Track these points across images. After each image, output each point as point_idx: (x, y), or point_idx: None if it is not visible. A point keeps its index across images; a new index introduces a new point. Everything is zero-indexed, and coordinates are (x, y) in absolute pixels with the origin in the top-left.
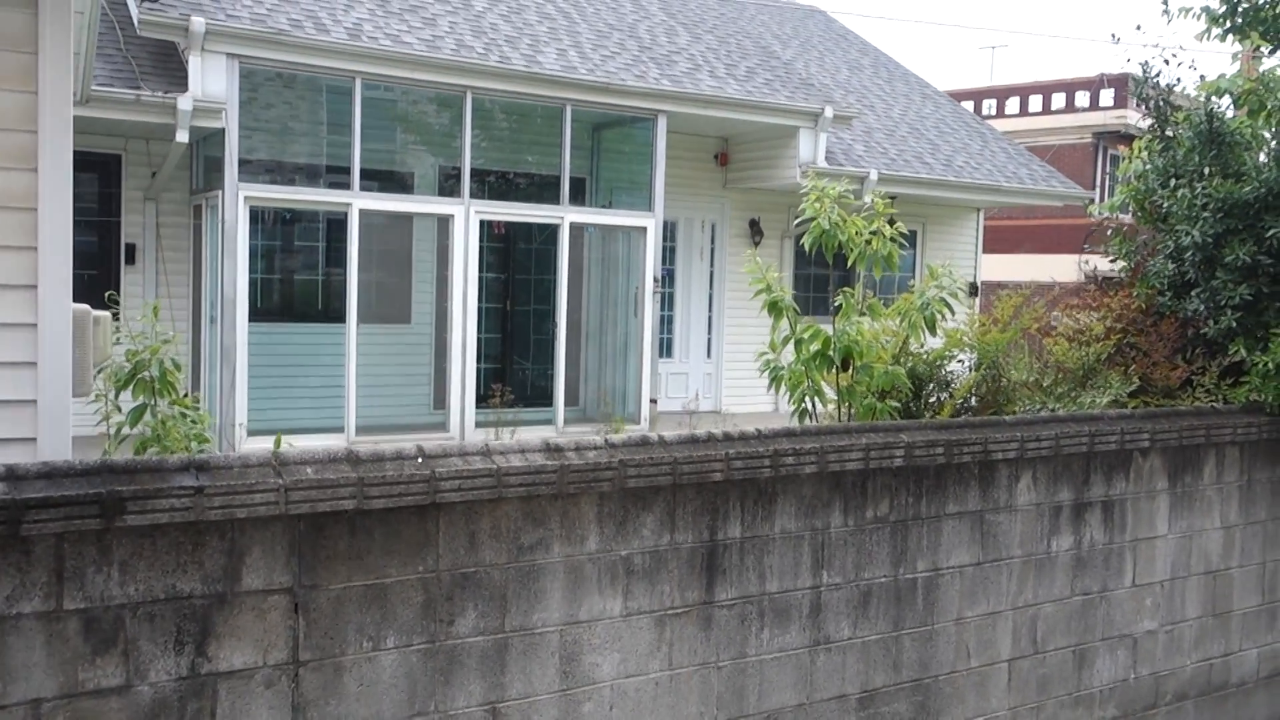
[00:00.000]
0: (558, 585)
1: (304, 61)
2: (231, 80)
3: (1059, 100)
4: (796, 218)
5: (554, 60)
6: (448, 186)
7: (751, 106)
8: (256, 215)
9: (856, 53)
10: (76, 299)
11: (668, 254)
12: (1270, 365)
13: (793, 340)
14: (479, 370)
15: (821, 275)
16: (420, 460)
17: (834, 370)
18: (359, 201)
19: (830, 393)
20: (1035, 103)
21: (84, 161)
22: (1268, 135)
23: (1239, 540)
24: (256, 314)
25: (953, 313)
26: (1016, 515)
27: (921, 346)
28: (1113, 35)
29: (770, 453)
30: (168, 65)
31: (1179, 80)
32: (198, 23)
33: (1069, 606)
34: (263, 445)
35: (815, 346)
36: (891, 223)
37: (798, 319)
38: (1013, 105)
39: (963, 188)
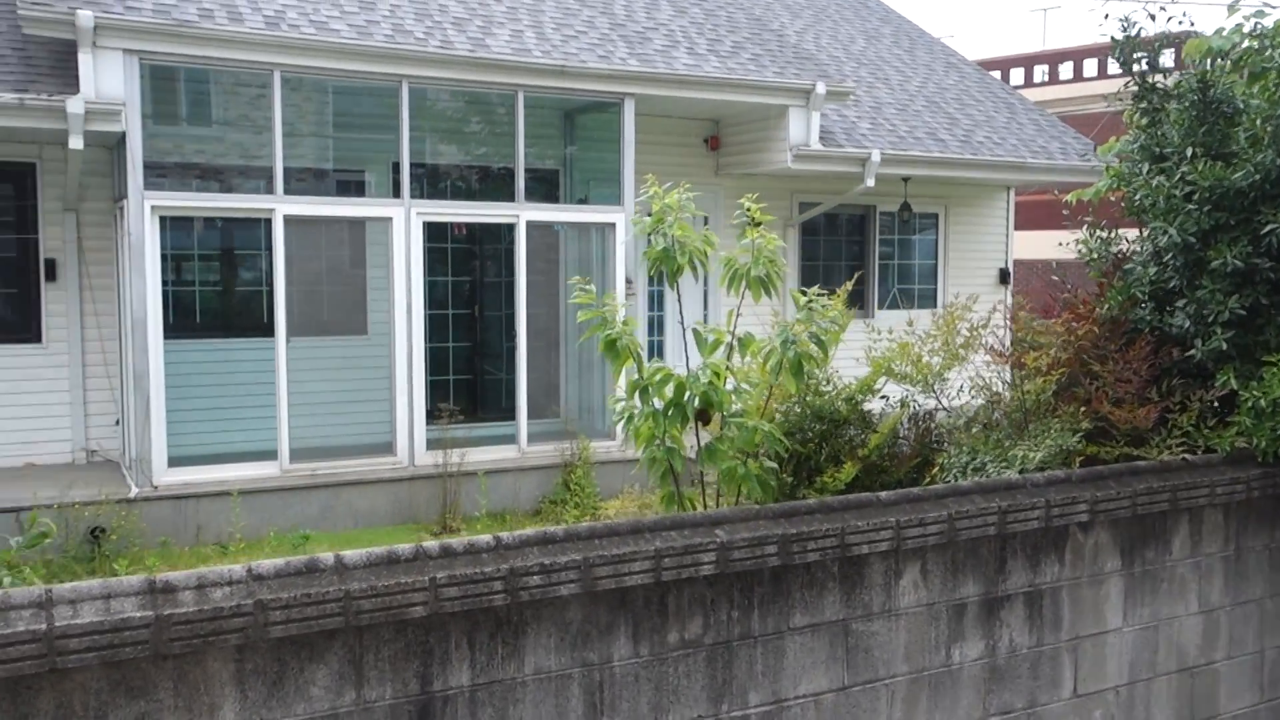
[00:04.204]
0: None
1: (214, 55)
2: (130, 79)
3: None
4: (801, 204)
5: (505, 43)
6: (385, 186)
7: (731, 85)
8: (171, 224)
9: (877, 21)
10: None
11: None
12: (1264, 402)
13: (639, 389)
14: (431, 384)
15: (833, 266)
16: None
17: (694, 423)
18: (283, 207)
19: (693, 451)
20: (1090, 67)
21: None
22: (1266, 104)
23: (1225, 626)
24: (176, 330)
25: (825, 355)
26: (899, 621)
27: (829, 382)
28: None
29: (504, 572)
30: (69, 65)
31: (1168, 39)
32: (85, 16)
33: None
34: (186, 476)
35: (668, 395)
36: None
37: (642, 362)
38: (1066, 70)
39: (979, 166)
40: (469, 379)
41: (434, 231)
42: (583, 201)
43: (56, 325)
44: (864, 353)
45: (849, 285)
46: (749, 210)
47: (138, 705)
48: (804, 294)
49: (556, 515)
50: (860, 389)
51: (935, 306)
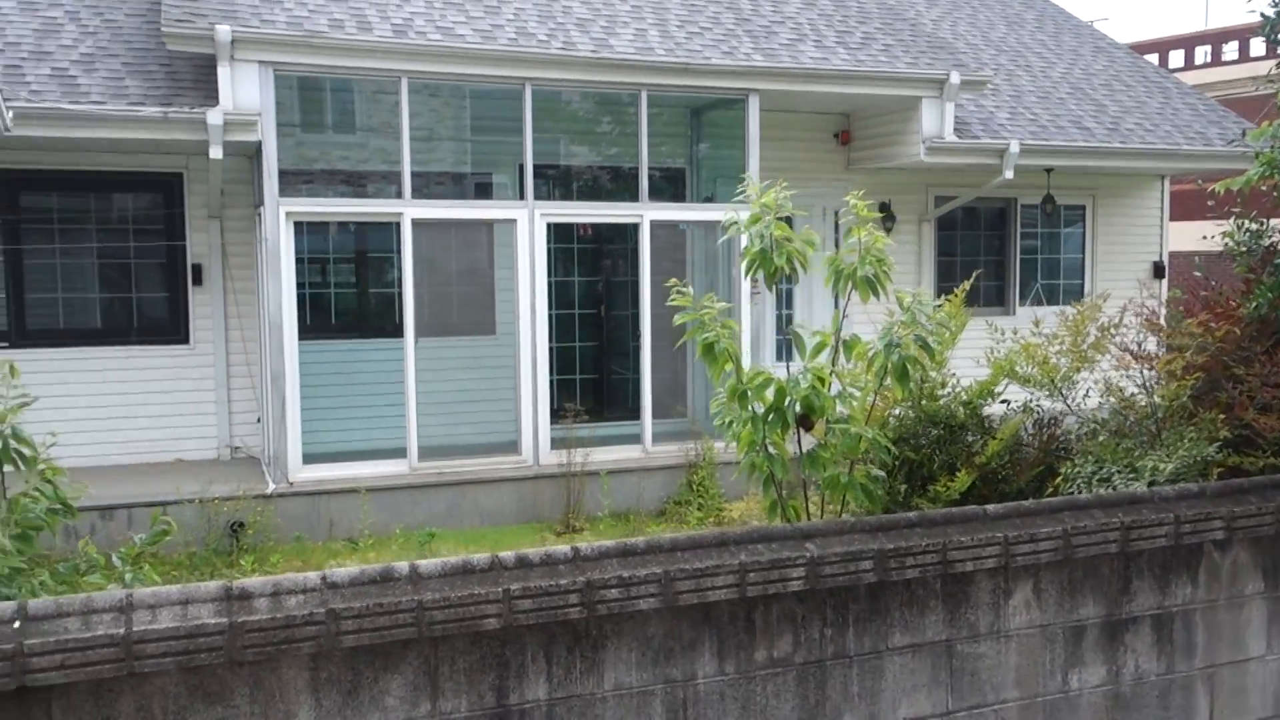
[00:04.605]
0: None
1: (344, 64)
2: (265, 89)
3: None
4: (937, 197)
5: (628, 42)
6: (510, 188)
7: (859, 78)
8: (305, 229)
9: (1019, 6)
10: (145, 323)
11: None
12: None
13: (738, 393)
14: (556, 384)
15: (972, 262)
16: (17, 624)
17: (795, 429)
18: (411, 210)
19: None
20: (1257, 46)
21: (146, 182)
22: None
23: None
24: (310, 331)
25: (931, 357)
26: (1009, 643)
27: (945, 385)
28: None
29: (580, 585)
30: (210, 79)
31: None
32: (223, 31)
33: None
34: (319, 474)
35: (769, 399)
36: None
37: (741, 365)
38: (1230, 51)
39: (1127, 155)
40: (594, 378)
41: (560, 232)
42: (709, 199)
43: (202, 327)
44: (986, 354)
45: (967, 285)
46: (855, 207)
47: (215, 710)
48: (909, 294)
49: (680, 516)
50: (979, 392)
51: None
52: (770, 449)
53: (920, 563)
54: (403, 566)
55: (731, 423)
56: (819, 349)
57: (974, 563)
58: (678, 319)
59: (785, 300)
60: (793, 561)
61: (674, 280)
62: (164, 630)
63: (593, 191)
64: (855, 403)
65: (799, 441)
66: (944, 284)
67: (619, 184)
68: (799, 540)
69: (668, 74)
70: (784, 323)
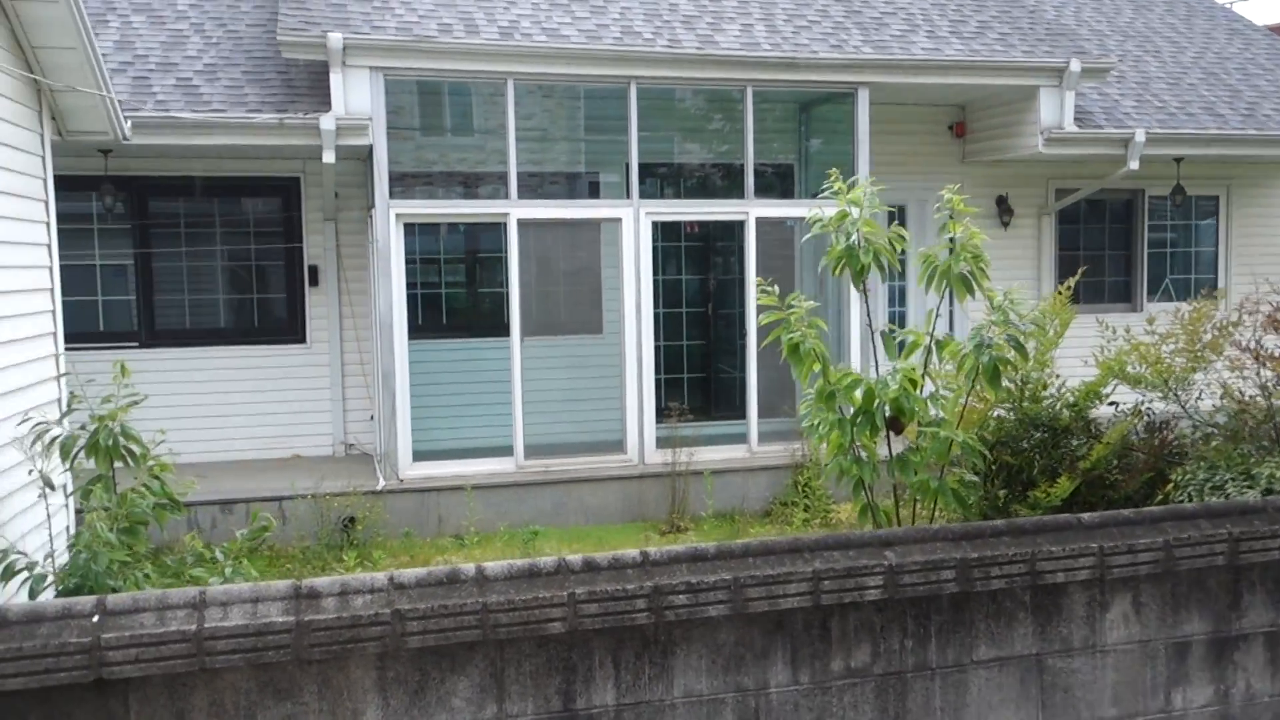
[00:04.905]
0: None
1: (451, 67)
2: (376, 94)
3: None
4: (1058, 190)
5: (734, 38)
6: (615, 187)
7: (972, 68)
8: (415, 230)
9: None
10: (264, 323)
11: None
12: None
13: (825, 394)
14: (661, 383)
15: (1096, 256)
16: (96, 618)
17: (885, 432)
18: (516, 210)
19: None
20: None
21: (265, 186)
22: None
23: None
24: (419, 331)
25: (1025, 359)
26: (1105, 659)
27: (1048, 386)
28: None
29: (648, 590)
30: (324, 85)
31: None
32: (335, 38)
33: None
34: (428, 471)
35: (858, 401)
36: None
37: (829, 366)
38: None
39: (1265, 142)
40: (699, 377)
41: (667, 230)
42: (817, 195)
43: (318, 327)
44: (1095, 354)
45: (1071, 282)
46: (949, 201)
47: (284, 707)
48: (999, 293)
49: (786, 518)
50: (1086, 394)
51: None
52: (860, 452)
53: (1007, 573)
54: (469, 568)
55: (819, 424)
56: (912, 349)
57: (1065, 574)
58: (761, 319)
59: (899, 298)
60: (869, 570)
61: (759, 279)
62: (233, 628)
63: (698, 189)
64: (947, 405)
65: (889, 444)
66: (1065, 279)
67: (725, 181)
68: (877, 547)
69: (774, 69)
70: (898, 321)
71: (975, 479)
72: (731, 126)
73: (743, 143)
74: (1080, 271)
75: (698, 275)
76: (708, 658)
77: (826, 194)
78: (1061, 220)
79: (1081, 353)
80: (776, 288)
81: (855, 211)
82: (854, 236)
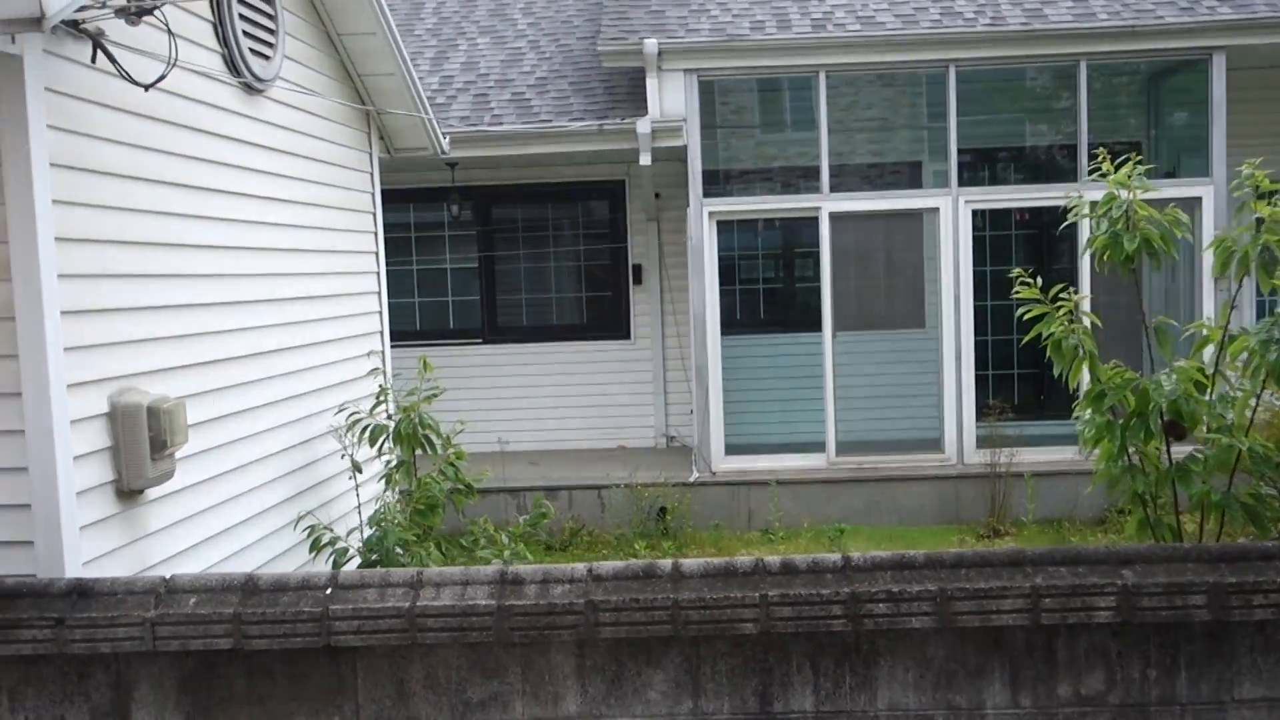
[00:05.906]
0: None
1: (762, 64)
2: (690, 96)
3: None
4: None
5: (1066, 10)
6: (931, 176)
7: None
8: (729, 226)
9: None
10: (592, 320)
11: None
12: None
13: (1093, 394)
14: (979, 379)
15: None
16: (329, 591)
17: (1163, 438)
18: (828, 204)
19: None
20: None
21: (593, 191)
22: None
23: None
24: (731, 326)
25: None
26: None
27: None
28: None
29: (844, 596)
30: (642, 90)
31: None
32: (650, 44)
33: None
34: (739, 464)
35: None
36: None
37: (1097, 364)
38: None
39: None
40: (1025, 374)
41: (994, 219)
42: (1169, 175)
43: (642, 324)
44: None
45: None
46: (1249, 177)
47: (491, 685)
48: None
49: (1119, 526)
50: None
51: None
52: (1134, 460)
53: (1273, 601)
54: (665, 564)
55: (1085, 429)
56: (1202, 345)
57: None
58: (1022, 314)
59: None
60: (1099, 589)
61: (1018, 270)
62: (441, 607)
63: (1022, 173)
64: (1236, 406)
65: (1168, 452)
66: None
67: (1054, 164)
68: (1114, 565)
69: (1111, 40)
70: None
71: (1272, 492)
72: (1061, 105)
73: (1075, 122)
74: None
75: (1029, 265)
76: (915, 671)
77: (1092, 178)
78: None
79: None
80: (1039, 279)
81: (1123, 194)
82: (1121, 221)
